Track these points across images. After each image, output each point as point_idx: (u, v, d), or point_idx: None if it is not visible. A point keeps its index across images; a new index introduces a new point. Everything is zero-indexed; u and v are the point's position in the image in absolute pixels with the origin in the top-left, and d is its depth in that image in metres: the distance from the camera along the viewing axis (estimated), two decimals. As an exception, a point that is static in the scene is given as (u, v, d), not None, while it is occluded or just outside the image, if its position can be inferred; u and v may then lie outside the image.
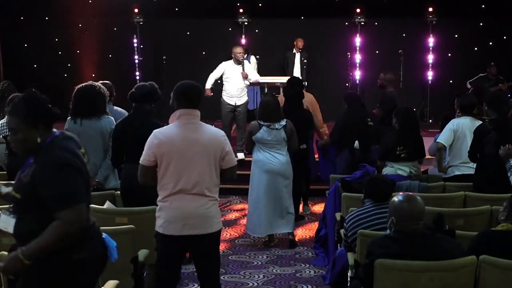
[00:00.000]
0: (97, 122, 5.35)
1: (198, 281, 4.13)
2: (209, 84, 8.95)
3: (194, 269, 4.26)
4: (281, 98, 7.21)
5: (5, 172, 6.52)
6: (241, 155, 8.79)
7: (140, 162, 3.92)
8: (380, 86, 8.24)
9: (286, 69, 11.72)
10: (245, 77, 8.82)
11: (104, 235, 3.11)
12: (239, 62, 8.84)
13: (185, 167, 3.81)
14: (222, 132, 4.03)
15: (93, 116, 5.36)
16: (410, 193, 3.64)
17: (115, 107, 6.23)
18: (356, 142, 6.78)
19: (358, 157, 6.64)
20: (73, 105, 5.45)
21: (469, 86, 10.63)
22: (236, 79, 8.84)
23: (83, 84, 5.53)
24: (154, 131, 3.94)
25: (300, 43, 11.76)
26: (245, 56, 10.86)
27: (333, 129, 7.13)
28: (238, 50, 8.88)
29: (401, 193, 3.64)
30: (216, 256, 4.07)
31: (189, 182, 3.81)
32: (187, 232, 3.83)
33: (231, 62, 8.91)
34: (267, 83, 10.22)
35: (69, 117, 5.46)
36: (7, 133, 6.37)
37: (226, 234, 6.92)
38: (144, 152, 3.89)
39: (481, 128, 5.55)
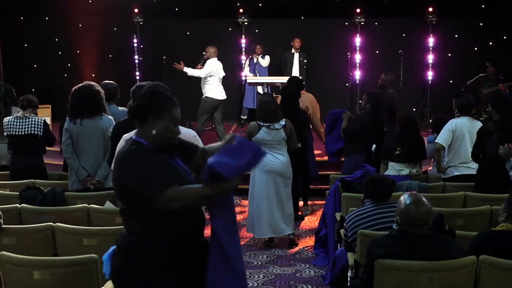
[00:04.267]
0: (98, 121, 5.35)
1: None
2: (190, 70, 9.65)
3: None
4: (278, 97, 7.22)
5: (8, 172, 6.53)
6: None
7: None
8: (380, 87, 8.18)
9: (284, 70, 11.67)
10: None
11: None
12: None
13: None
14: (193, 133, 3.90)
15: (94, 115, 5.36)
16: (418, 195, 3.52)
17: (120, 107, 6.13)
18: (374, 145, 6.61)
19: (373, 161, 6.45)
20: (72, 105, 5.43)
21: (469, 87, 10.61)
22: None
23: (80, 84, 5.51)
24: (123, 135, 3.88)
25: (297, 43, 11.71)
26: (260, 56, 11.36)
27: (350, 124, 6.89)
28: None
29: (408, 193, 3.56)
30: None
31: None
32: None
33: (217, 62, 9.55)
34: (267, 83, 10.22)
35: (68, 117, 5.45)
36: (14, 132, 6.38)
37: (226, 234, 6.91)
38: None
39: (484, 129, 5.55)
